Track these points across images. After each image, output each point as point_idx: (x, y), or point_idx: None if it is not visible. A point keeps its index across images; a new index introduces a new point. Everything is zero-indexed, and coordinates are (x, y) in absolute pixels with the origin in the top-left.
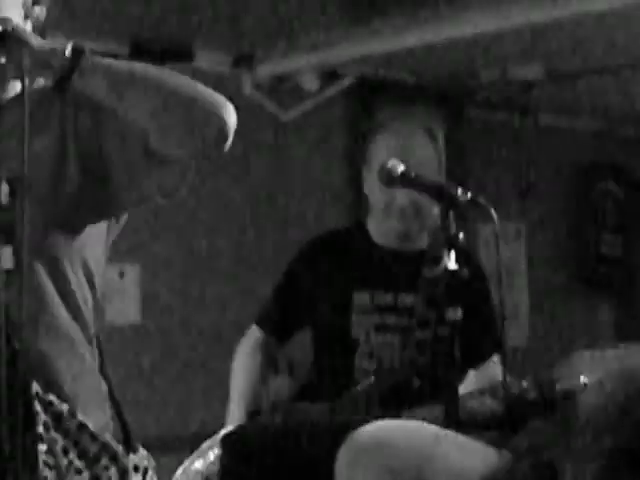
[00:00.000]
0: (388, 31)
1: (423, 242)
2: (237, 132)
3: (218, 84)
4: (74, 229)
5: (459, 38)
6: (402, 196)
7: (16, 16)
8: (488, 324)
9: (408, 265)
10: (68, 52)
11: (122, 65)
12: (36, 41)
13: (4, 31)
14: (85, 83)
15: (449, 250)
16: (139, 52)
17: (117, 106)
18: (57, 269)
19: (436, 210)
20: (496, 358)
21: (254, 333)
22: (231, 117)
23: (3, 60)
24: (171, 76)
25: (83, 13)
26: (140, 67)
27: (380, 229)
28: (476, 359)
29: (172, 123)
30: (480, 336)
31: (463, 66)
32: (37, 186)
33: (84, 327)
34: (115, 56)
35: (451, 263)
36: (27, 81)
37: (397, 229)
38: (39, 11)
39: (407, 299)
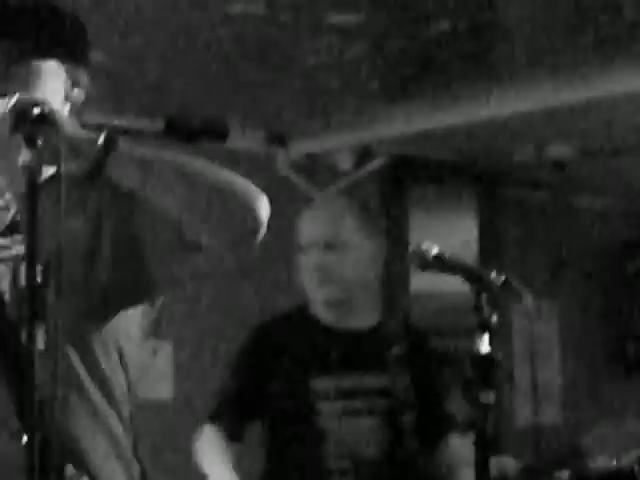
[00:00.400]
0: (424, 110)
1: (371, 318)
2: (271, 211)
3: (251, 163)
4: (106, 314)
5: (494, 118)
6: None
7: (57, 99)
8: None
9: (361, 343)
10: (101, 141)
11: (155, 154)
12: (71, 128)
13: (41, 114)
14: (118, 172)
15: (482, 333)
16: (173, 130)
17: (150, 195)
18: (89, 353)
19: (373, 281)
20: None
21: (208, 431)
22: (265, 208)
23: (39, 143)
24: (205, 165)
25: (118, 90)
26: (173, 156)
27: (318, 306)
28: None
29: (205, 215)
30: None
31: (497, 145)
32: (71, 268)
33: (118, 410)
34: (148, 134)
35: (485, 346)
36: (62, 167)
37: (327, 298)
38: (77, 93)
39: (374, 380)
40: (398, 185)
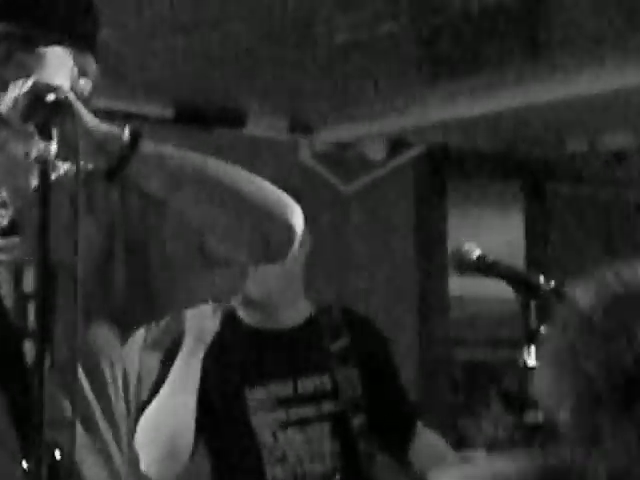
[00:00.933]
0: (465, 94)
1: (301, 313)
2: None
3: (272, 152)
4: (118, 327)
5: (544, 103)
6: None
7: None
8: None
9: (294, 343)
10: (126, 138)
11: (181, 155)
12: (90, 119)
13: (58, 101)
14: (140, 173)
15: (529, 345)
16: (185, 117)
17: (172, 201)
18: (97, 373)
19: (296, 273)
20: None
21: None
22: (299, 221)
23: (55, 136)
24: (235, 172)
25: (126, 74)
26: (200, 159)
27: (239, 308)
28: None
29: (232, 227)
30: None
31: (547, 135)
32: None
33: (117, 433)
34: (157, 121)
35: (531, 359)
36: (79, 165)
37: (243, 297)
38: (85, 84)
39: (315, 382)
40: (436, 178)
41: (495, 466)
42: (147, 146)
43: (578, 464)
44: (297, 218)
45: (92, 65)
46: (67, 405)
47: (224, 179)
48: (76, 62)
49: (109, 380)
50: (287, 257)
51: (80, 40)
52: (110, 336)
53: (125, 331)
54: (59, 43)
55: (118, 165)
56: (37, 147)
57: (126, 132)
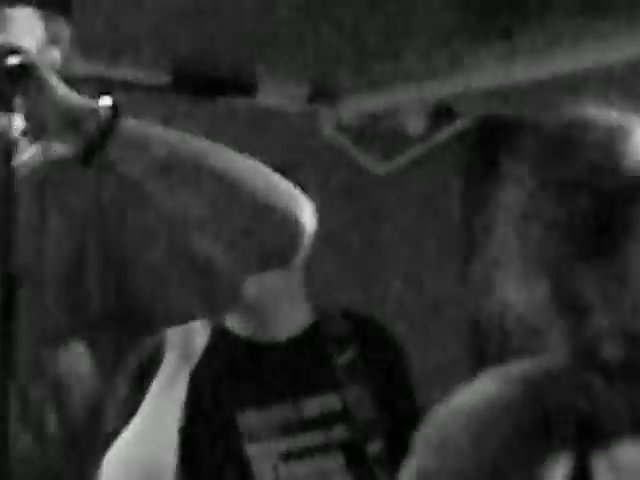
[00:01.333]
0: (521, 55)
1: (300, 320)
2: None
3: (289, 125)
4: (89, 346)
5: (604, 66)
6: None
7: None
8: None
9: (294, 356)
10: (104, 113)
11: (170, 136)
12: (61, 90)
13: (22, 65)
14: (119, 157)
15: None
16: (184, 83)
17: (156, 192)
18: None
19: (293, 273)
20: None
21: None
22: (308, 220)
23: (17, 108)
24: (232, 159)
25: (112, 34)
26: (192, 143)
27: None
28: None
29: (226, 224)
30: None
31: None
32: (51, 282)
33: None
34: (152, 88)
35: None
36: (47, 146)
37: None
38: (55, 53)
39: (321, 404)
40: (487, 156)
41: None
42: (128, 124)
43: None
44: (306, 217)
45: (65, 31)
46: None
47: (219, 167)
48: (46, 27)
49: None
50: (291, 264)
51: (51, 1)
52: (81, 359)
53: (96, 350)
54: (26, 3)
55: (94, 147)
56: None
57: (104, 105)
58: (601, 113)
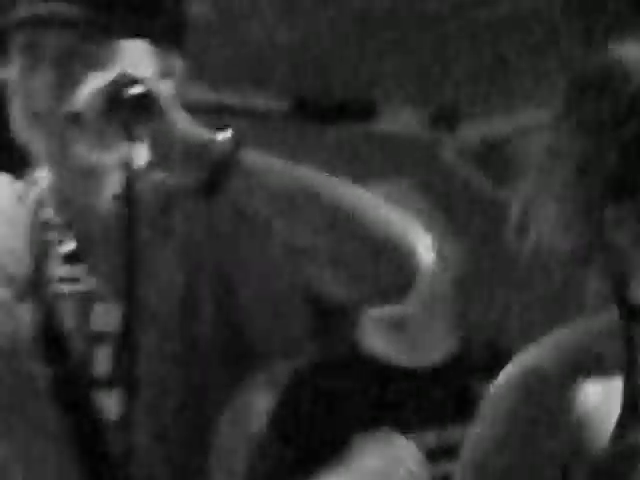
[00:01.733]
0: None
1: (449, 344)
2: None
3: (410, 150)
4: (203, 382)
5: None
6: None
7: None
8: None
9: (435, 386)
10: (225, 144)
11: (288, 169)
12: (182, 119)
13: (144, 95)
14: (237, 187)
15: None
16: (303, 110)
17: (271, 224)
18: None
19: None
20: None
21: None
22: (424, 253)
23: (139, 138)
24: (349, 191)
25: (227, 59)
26: (310, 174)
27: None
28: None
29: (344, 258)
30: None
31: None
32: (161, 315)
33: None
34: (273, 115)
35: None
36: (168, 176)
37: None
38: (168, 87)
39: (457, 434)
40: None
41: None
42: (249, 156)
43: None
44: (423, 251)
45: (177, 63)
46: None
47: (337, 201)
48: (159, 60)
49: None
50: (407, 297)
51: (167, 33)
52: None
53: (211, 388)
54: (138, 35)
55: (215, 178)
56: (118, 151)
57: (225, 137)
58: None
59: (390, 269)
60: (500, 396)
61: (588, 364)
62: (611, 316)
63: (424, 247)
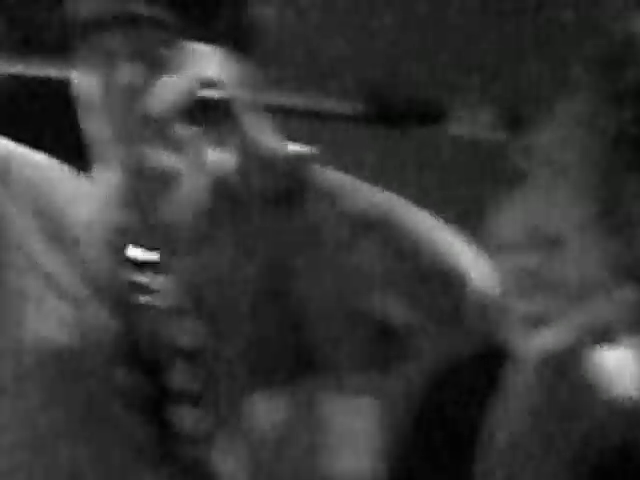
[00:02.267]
0: None
1: None
2: None
3: (480, 154)
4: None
5: None
6: None
7: None
8: None
9: None
10: (299, 159)
11: (359, 189)
12: (256, 128)
13: (219, 100)
14: (311, 207)
15: None
16: (376, 112)
17: (339, 243)
18: None
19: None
20: None
21: None
22: (482, 280)
23: (214, 144)
24: (414, 214)
25: (300, 63)
26: (380, 195)
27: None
28: None
29: (406, 282)
30: None
31: None
32: (230, 321)
33: None
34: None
35: None
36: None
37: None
38: (243, 92)
39: None
40: None
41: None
42: (322, 174)
43: None
44: (481, 277)
45: (247, 70)
46: None
47: (405, 224)
48: (232, 65)
49: None
50: (463, 320)
51: (239, 39)
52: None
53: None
54: (210, 41)
55: (290, 192)
56: (192, 156)
57: (299, 151)
58: None
59: (448, 294)
60: (532, 374)
61: (607, 341)
62: (629, 292)
63: (482, 275)
